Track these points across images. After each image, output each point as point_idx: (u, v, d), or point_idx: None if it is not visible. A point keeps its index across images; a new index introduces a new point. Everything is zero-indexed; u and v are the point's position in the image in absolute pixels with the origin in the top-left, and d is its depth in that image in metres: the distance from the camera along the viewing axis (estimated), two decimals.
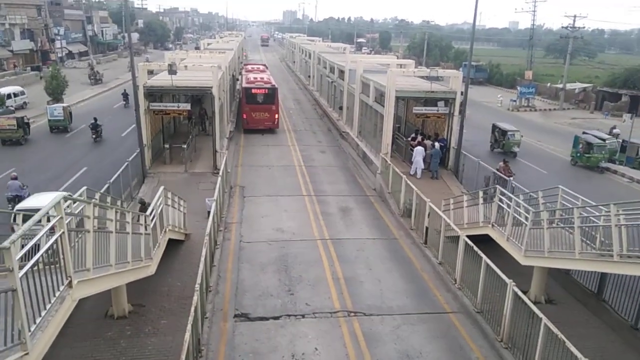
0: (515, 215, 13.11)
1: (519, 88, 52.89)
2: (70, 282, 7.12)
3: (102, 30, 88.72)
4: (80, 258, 7.92)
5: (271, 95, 31.68)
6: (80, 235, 8.36)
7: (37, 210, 6.64)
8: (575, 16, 50.85)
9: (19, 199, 18.04)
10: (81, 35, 78.64)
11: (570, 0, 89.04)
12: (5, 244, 5.50)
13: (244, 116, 32.15)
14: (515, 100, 50.59)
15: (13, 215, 10.22)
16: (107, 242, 9.12)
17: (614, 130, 34.78)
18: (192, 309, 9.45)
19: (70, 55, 73.26)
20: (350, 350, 10.90)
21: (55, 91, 39.41)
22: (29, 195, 17.85)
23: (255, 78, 34.18)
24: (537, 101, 52.70)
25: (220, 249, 15.58)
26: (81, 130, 32.23)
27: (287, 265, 14.82)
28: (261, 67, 44.74)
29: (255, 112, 31.85)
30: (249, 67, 45.11)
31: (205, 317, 11.43)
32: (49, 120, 31.79)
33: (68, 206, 8.94)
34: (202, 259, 11.69)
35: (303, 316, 12.14)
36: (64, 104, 34.14)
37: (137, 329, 11.43)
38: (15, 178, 19.07)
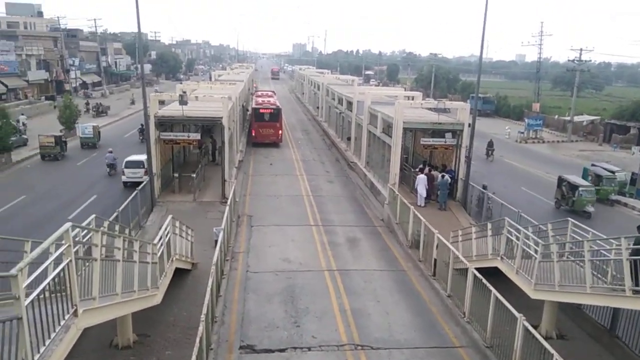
0: (525, 247, 12.96)
1: (526, 120, 53.00)
2: (76, 310, 7.07)
3: (115, 62, 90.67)
4: (86, 286, 7.89)
5: (276, 114, 37.67)
6: (87, 264, 8.35)
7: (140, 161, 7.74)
8: (581, 49, 51.31)
9: (113, 166, 28.76)
10: (95, 66, 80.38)
11: (576, 34, 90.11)
12: (13, 271, 5.50)
13: (253, 132, 38.17)
14: (523, 132, 50.62)
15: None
16: (113, 270, 9.10)
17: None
18: (197, 339, 9.34)
19: (84, 85, 74.74)
20: None
21: (68, 120, 40.06)
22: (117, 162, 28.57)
23: (263, 101, 40.50)
24: (545, 133, 52.69)
25: (227, 278, 15.47)
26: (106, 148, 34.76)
27: (294, 296, 14.66)
28: (269, 93, 50.63)
29: (263, 128, 37.91)
30: (259, 93, 51.72)
31: (210, 348, 11.27)
32: (81, 138, 36.41)
33: (76, 234, 8.96)
34: (209, 289, 11.61)
35: (309, 349, 11.93)
36: (94, 124, 38.58)
37: (142, 359, 11.28)
38: (111, 152, 29.52)
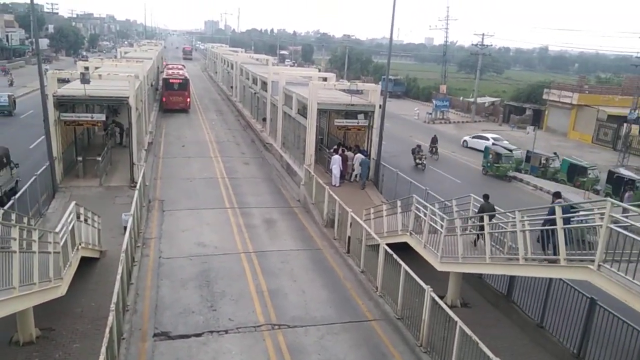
0: (431, 223, 13.69)
1: (434, 101, 55.55)
2: None
3: (7, 35, 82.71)
4: None
5: (184, 84, 43.72)
6: None
7: None
8: (483, 35, 54.49)
9: None
10: None
11: (479, 20, 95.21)
12: None
13: (164, 99, 43.60)
14: (431, 113, 53.05)
15: None
16: (9, 262, 8.46)
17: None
18: (107, 330, 8.96)
19: None
20: None
21: None
22: None
23: (173, 72, 46.50)
24: (451, 114, 55.58)
25: (139, 266, 14.92)
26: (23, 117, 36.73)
27: (210, 280, 14.47)
28: (179, 66, 55.86)
29: (173, 96, 43.20)
30: (170, 65, 57.04)
31: (122, 338, 10.87)
32: None
33: None
34: (118, 276, 11.14)
35: (226, 332, 11.88)
36: (9, 93, 39.40)
37: (46, 355, 10.64)
38: None
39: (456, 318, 9.76)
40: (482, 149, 34.29)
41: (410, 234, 14.62)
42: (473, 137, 39.69)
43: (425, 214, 13.99)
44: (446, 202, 15.59)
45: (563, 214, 9.61)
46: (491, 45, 61.11)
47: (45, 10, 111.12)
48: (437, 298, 10.76)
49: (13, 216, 11.74)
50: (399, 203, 16.07)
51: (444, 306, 10.43)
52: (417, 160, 30.84)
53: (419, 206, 14.52)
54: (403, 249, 13.86)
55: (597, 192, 27.66)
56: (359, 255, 15.44)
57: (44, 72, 20.55)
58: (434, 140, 34.73)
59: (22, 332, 10.87)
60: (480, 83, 57.93)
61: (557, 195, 12.36)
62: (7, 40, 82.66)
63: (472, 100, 55.95)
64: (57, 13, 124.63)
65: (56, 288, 10.73)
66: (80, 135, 26.24)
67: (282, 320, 12.51)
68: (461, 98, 62.72)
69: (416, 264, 12.68)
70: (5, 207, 13.43)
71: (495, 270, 12.54)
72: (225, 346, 11.33)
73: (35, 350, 10.76)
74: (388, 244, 13.53)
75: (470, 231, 13.32)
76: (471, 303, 14.18)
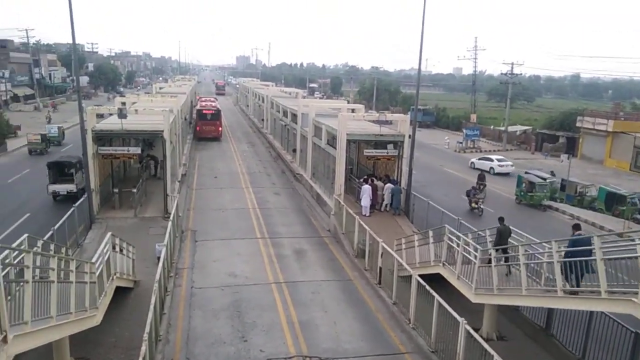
0: (465, 254, 13.40)
1: (464, 130, 55.13)
2: (5, 337, 6.66)
3: (50, 74, 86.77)
4: (17, 310, 7.45)
5: (216, 115, 47.43)
6: (18, 287, 7.90)
7: None
8: (512, 63, 54.10)
9: None
10: (27, 78, 76.60)
11: (508, 49, 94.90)
12: None
13: (197, 128, 47.04)
14: (461, 142, 52.60)
15: None
16: (47, 292, 8.64)
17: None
18: None
19: (15, 98, 70.98)
20: None
21: None
22: None
23: (206, 104, 50.47)
24: (482, 143, 54.99)
25: (171, 295, 15.04)
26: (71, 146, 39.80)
27: (241, 310, 14.44)
28: (211, 99, 61.00)
29: (206, 126, 46.64)
30: (203, 98, 61.28)
31: None
32: (48, 136, 40.36)
33: (6, 256, 8.45)
34: (151, 306, 11.24)
35: None
36: (59, 125, 44.55)
37: None
38: None
39: (492, 352, 9.42)
40: (488, 169, 38.11)
41: (443, 264, 14.33)
42: (479, 159, 41.38)
43: (458, 244, 13.71)
44: (479, 232, 15.28)
45: (583, 245, 9.30)
46: (521, 73, 60.67)
47: (86, 49, 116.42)
48: (472, 331, 10.43)
49: (52, 246, 12.06)
50: (431, 233, 15.83)
51: (480, 339, 10.10)
52: (473, 205, 27.30)
53: (451, 236, 14.26)
54: (436, 280, 13.58)
55: (638, 221, 26.66)
56: (391, 287, 15.18)
57: (83, 108, 21.39)
58: (482, 178, 31.25)
59: None
60: (511, 111, 57.30)
61: (576, 227, 11.89)
62: (50, 79, 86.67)
63: (503, 129, 55.31)
64: (97, 52, 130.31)
65: (91, 317, 10.87)
66: (116, 168, 27.02)
67: (313, 352, 12.32)
68: (492, 127, 62.09)
69: (450, 296, 12.39)
70: (45, 238, 13.82)
71: (532, 303, 12.11)
72: None
73: None
74: (420, 275, 13.29)
75: (504, 261, 12.96)
76: (508, 336, 13.69)
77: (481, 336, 10.84)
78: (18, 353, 7.25)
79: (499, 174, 38.23)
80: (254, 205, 26.09)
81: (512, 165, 39.29)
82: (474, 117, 64.09)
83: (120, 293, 14.24)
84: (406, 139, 23.60)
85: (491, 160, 40.06)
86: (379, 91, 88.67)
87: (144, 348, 9.38)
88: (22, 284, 7.79)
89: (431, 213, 21.48)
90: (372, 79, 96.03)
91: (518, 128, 58.50)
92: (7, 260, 8.15)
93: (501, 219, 13.76)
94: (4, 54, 72.64)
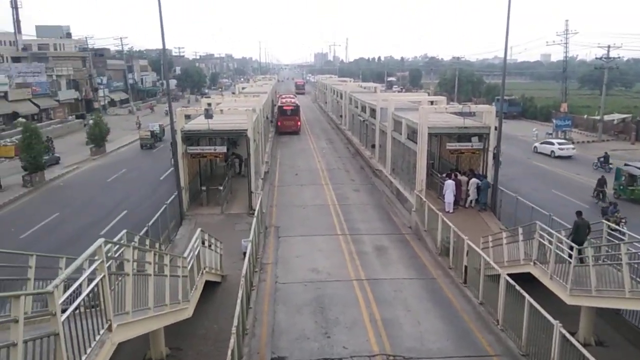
0: (558, 252, 12.64)
1: (554, 121, 51.94)
2: (110, 325, 7.18)
3: (142, 78, 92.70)
4: (119, 301, 8.01)
5: (295, 110, 51.02)
6: (120, 279, 8.49)
7: None
8: (609, 46, 50.18)
9: None
10: (122, 83, 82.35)
11: (603, 31, 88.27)
12: (49, 288, 5.63)
13: (278, 124, 50.92)
14: (551, 134, 49.63)
15: None
16: (145, 285, 9.22)
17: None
18: (229, 353, 9.37)
19: (112, 103, 76.57)
20: None
21: (98, 137, 41.06)
22: None
23: (285, 101, 53.85)
24: (574, 133, 51.51)
25: (257, 290, 15.52)
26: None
27: (324, 306, 14.60)
28: (291, 95, 64.08)
29: (286, 121, 50.24)
30: (283, 96, 64.42)
31: None
32: (151, 132, 45.81)
33: (108, 250, 9.11)
34: (239, 301, 11.65)
35: None
36: (160, 123, 49.39)
37: None
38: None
39: (592, 358, 8.81)
40: (549, 153, 39.45)
41: (534, 263, 13.62)
42: (542, 143, 42.06)
43: (550, 242, 12.95)
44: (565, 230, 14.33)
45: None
46: (618, 57, 56.10)
47: (174, 54, 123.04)
48: (568, 335, 9.81)
49: (147, 241, 12.89)
50: (520, 230, 15.09)
51: (577, 344, 9.47)
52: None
53: (543, 233, 13.50)
54: (526, 280, 12.93)
55: None
56: (477, 286, 14.64)
57: (172, 109, 22.62)
58: (602, 183, 27.36)
59: (154, 350, 11.75)
60: (607, 99, 53.20)
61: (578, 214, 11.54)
62: (142, 83, 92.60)
63: (598, 117, 51.47)
64: (184, 56, 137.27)
65: (184, 310, 11.48)
66: (203, 167, 28.31)
67: (397, 350, 12.19)
68: (585, 116, 58.00)
69: (542, 296, 11.74)
70: (140, 234, 14.79)
71: (636, 306, 11.19)
72: None
73: None
74: (509, 275, 12.70)
75: (604, 261, 12.08)
76: (607, 342, 12.76)
77: (578, 341, 10.17)
78: (121, 341, 7.79)
79: (559, 157, 38.90)
80: (334, 201, 26.28)
81: (573, 149, 40.06)
82: (564, 106, 60.20)
83: (210, 287, 14.91)
84: (492, 131, 22.68)
85: (552, 144, 40.99)
86: (461, 82, 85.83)
87: (232, 341, 9.75)
88: (123, 276, 8.37)
89: (520, 209, 20.48)
90: (453, 70, 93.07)
91: (615, 116, 54.08)
92: (109, 254, 8.82)
93: (579, 213, 13.39)
94: (102, 62, 78.55)
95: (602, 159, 34.66)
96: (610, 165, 33.06)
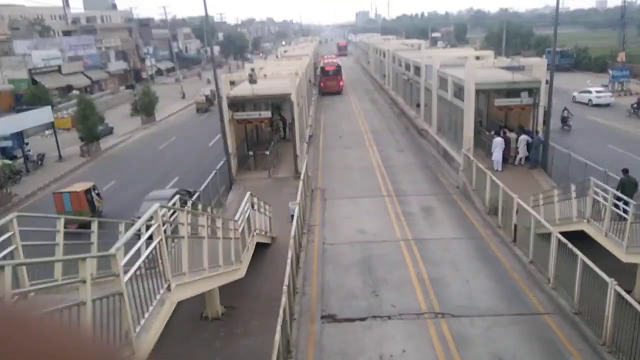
0: (614, 209, 12.17)
1: (610, 72, 48.99)
2: (169, 286, 7.56)
3: (186, 46, 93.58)
4: (176, 263, 8.39)
5: (337, 71, 52.05)
6: (175, 242, 8.85)
7: None
8: None
9: None
10: (167, 52, 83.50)
11: None
12: (112, 251, 5.95)
13: (321, 84, 51.76)
14: (607, 85, 46.96)
15: None
16: (200, 247, 9.58)
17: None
18: (281, 311, 9.69)
19: (159, 72, 77.95)
20: (439, 352, 10.64)
21: (147, 107, 42.12)
22: None
23: (327, 62, 54.96)
24: (633, 84, 48.54)
25: (305, 251, 15.84)
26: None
27: (371, 266, 14.77)
28: (333, 56, 67.18)
29: (328, 81, 51.33)
30: (325, 56, 66.69)
31: (293, 318, 11.66)
32: (205, 97, 47.79)
33: (164, 214, 9.47)
34: (289, 261, 11.96)
35: (389, 317, 12.03)
36: (211, 88, 45.82)
37: (230, 330, 11.92)
38: None
39: None
40: (586, 101, 38.92)
41: (588, 221, 13.18)
42: (580, 92, 41.22)
43: (606, 199, 12.47)
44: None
45: None
46: None
47: (216, 20, 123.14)
48: (623, 293, 9.54)
49: (199, 206, 13.28)
50: (573, 187, 14.58)
51: (633, 302, 9.21)
52: None
53: (598, 190, 13.00)
54: (579, 238, 12.57)
55: None
56: (527, 245, 14.37)
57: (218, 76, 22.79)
58: None
59: (210, 309, 12.31)
60: None
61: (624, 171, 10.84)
62: (186, 51, 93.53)
63: None
64: (225, 22, 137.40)
65: (237, 271, 11.91)
66: (250, 132, 28.64)
67: (445, 309, 12.25)
68: None
69: (596, 255, 11.41)
70: (193, 198, 15.26)
71: None
72: (389, 332, 11.48)
73: (221, 325, 12.14)
74: (561, 233, 12.38)
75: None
76: None
77: (634, 299, 9.88)
78: (179, 300, 8.20)
79: (597, 105, 38.47)
80: (379, 163, 26.12)
81: (611, 96, 39.61)
82: (622, 56, 56.50)
83: (260, 249, 15.33)
84: (542, 85, 21.70)
85: (590, 92, 40.45)
86: (509, 35, 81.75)
87: (284, 299, 10.07)
88: (178, 239, 8.72)
89: (572, 166, 19.73)
90: (500, 23, 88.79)
91: None
92: (164, 218, 9.17)
93: (625, 170, 12.71)
94: (147, 32, 79.73)
95: (635, 105, 33.12)
96: None
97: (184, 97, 56.15)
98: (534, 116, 22.46)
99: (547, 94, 21.43)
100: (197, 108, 47.54)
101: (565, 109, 31.83)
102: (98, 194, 21.15)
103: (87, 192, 20.25)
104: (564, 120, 31.43)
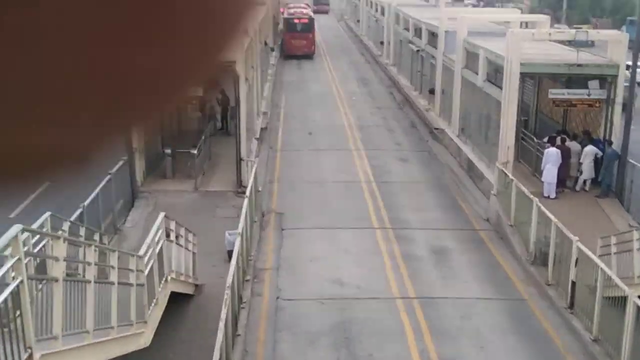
0: None
1: None
2: (31, 355, 7.37)
3: None
4: (44, 320, 8.20)
5: (309, 25, 53.73)
6: (41, 286, 8.67)
7: None
8: None
9: None
10: None
11: None
12: None
13: (286, 44, 53.77)
14: None
15: None
16: (82, 296, 9.40)
17: None
18: None
19: None
20: None
21: None
22: None
23: (295, 12, 56.77)
24: None
25: (247, 309, 15.73)
26: None
27: (350, 337, 14.79)
28: (302, 5, 64.89)
29: (295, 39, 53.34)
30: (291, 5, 64.41)
31: None
32: None
33: (24, 241, 9.25)
34: (221, 324, 11.83)
35: None
36: None
37: None
38: None
39: None
40: None
41: None
42: None
43: None
44: None
45: None
46: None
47: None
48: None
49: (82, 231, 13.08)
50: None
51: None
52: None
53: None
54: None
55: None
56: (591, 313, 14.67)
57: None
58: None
59: None
60: None
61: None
62: None
63: None
64: None
65: (138, 335, 11.72)
66: (167, 119, 28.37)
67: None
68: None
69: None
70: (72, 218, 14.98)
71: None
72: None
73: None
74: None
75: None
76: None
77: None
78: None
79: None
80: (369, 177, 26.33)
81: None
82: None
83: (178, 303, 15.14)
84: (621, 72, 22.34)
85: None
86: None
87: None
88: (49, 282, 8.54)
89: None
90: None
91: None
92: (26, 249, 8.97)
93: None
94: None
95: None
96: None
97: None
98: (607, 118, 23.03)
99: (629, 84, 22.07)
100: None
101: None
102: None
103: None
104: None
